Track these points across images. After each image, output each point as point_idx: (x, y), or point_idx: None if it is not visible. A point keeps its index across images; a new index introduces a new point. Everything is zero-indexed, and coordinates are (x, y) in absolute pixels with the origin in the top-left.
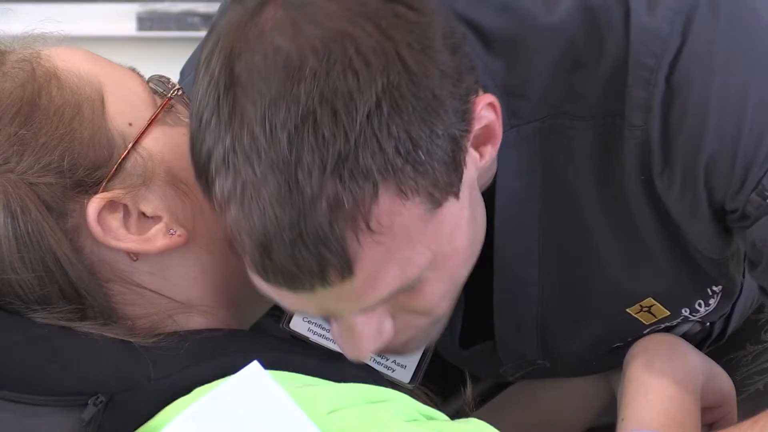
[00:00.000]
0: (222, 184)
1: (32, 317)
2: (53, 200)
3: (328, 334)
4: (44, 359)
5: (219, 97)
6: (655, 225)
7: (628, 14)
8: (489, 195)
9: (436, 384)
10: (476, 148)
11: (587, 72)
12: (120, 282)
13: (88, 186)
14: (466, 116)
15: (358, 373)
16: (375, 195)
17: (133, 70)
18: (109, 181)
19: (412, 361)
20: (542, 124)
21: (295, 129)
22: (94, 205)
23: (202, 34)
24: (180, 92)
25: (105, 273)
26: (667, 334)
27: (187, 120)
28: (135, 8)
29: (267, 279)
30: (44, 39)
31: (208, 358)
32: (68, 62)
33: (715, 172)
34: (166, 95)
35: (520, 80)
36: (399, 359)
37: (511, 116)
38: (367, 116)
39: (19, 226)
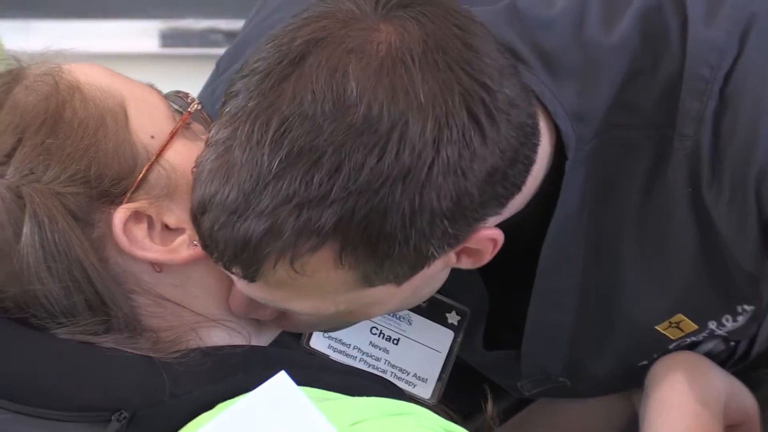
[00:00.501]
0: (218, 129)
1: (56, 332)
2: (79, 210)
3: (349, 351)
4: (67, 375)
5: (280, 62)
6: (695, 239)
7: (686, 25)
8: (541, 205)
9: (457, 402)
10: (457, 254)
11: (643, 82)
12: (144, 293)
13: (114, 197)
14: (457, 239)
15: (379, 389)
16: (315, 249)
17: (152, 86)
18: (133, 192)
19: (432, 375)
20: (600, 140)
21: (297, 152)
22: (119, 215)
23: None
24: (199, 107)
25: (129, 284)
26: (690, 352)
27: (204, 136)
28: (158, 25)
29: (194, 224)
30: (64, 56)
31: (229, 374)
32: (89, 76)
33: (765, 185)
34: (185, 110)
35: (587, 104)
36: (419, 372)
37: (578, 140)
38: (360, 192)
39: (46, 236)
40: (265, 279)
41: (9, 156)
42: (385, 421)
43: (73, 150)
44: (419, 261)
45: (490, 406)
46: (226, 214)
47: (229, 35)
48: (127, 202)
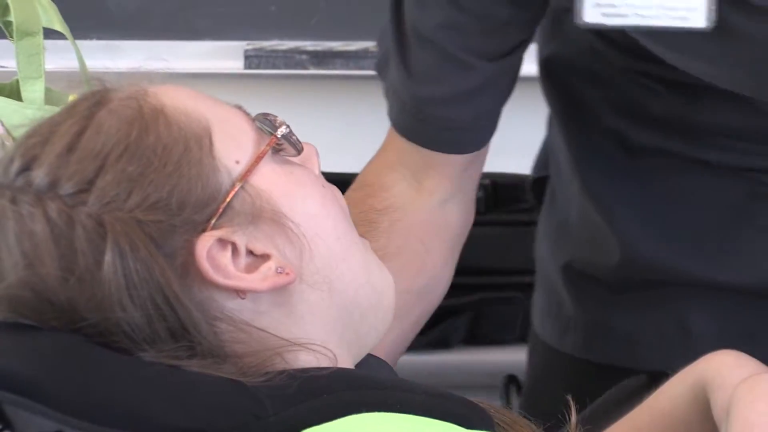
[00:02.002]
0: None
1: (140, 356)
2: (161, 238)
3: (620, 10)
4: (151, 397)
5: None
6: None
7: None
8: None
9: (539, 416)
10: None
11: None
12: (227, 320)
13: (197, 224)
14: None
15: (465, 411)
16: None
17: (240, 107)
18: (217, 219)
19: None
20: None
21: None
22: (203, 243)
23: (310, 72)
24: (287, 130)
25: (212, 311)
26: None
27: (293, 159)
28: (242, 45)
29: None
30: (150, 76)
31: (313, 396)
32: (175, 99)
33: None
34: (272, 133)
35: None
36: (688, 3)
37: None
38: None
39: (128, 264)
40: None
41: (90, 183)
42: None
43: (156, 177)
44: None
45: (573, 417)
46: None
47: (314, 56)
48: (210, 229)
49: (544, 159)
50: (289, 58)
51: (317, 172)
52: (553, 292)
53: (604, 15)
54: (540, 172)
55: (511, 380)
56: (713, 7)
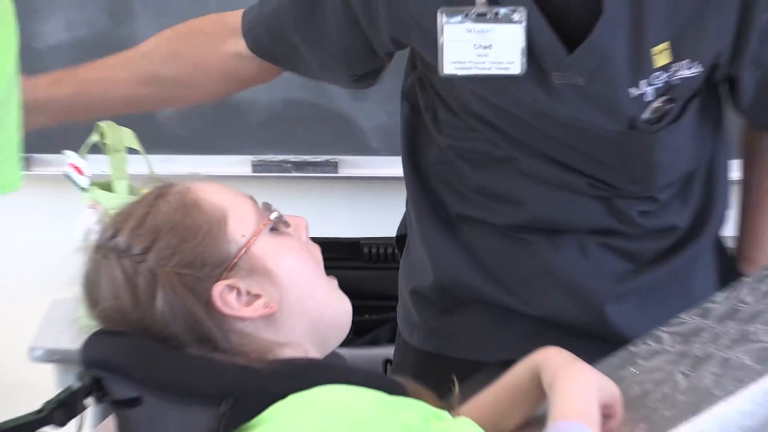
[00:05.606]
0: None
1: (188, 350)
2: (192, 285)
3: (480, 64)
4: (194, 375)
5: None
6: None
7: None
8: None
9: (434, 388)
10: None
11: None
12: (237, 333)
13: (214, 276)
14: None
15: (389, 385)
16: None
17: (251, 197)
18: (227, 272)
19: (514, 52)
20: None
21: None
22: (217, 288)
23: (294, 175)
24: (277, 214)
25: (227, 327)
26: (581, 364)
27: (287, 230)
28: (250, 158)
29: None
30: (192, 178)
31: (296, 375)
32: (206, 192)
33: None
34: (267, 216)
35: None
36: (500, 55)
37: None
38: None
39: (172, 301)
40: None
41: (148, 248)
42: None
43: (189, 247)
44: None
45: (456, 389)
46: None
47: (296, 165)
48: (222, 279)
49: (404, 222)
50: (281, 166)
51: (304, 237)
52: (407, 306)
53: (457, 68)
54: (402, 231)
55: (388, 362)
56: (524, 60)
